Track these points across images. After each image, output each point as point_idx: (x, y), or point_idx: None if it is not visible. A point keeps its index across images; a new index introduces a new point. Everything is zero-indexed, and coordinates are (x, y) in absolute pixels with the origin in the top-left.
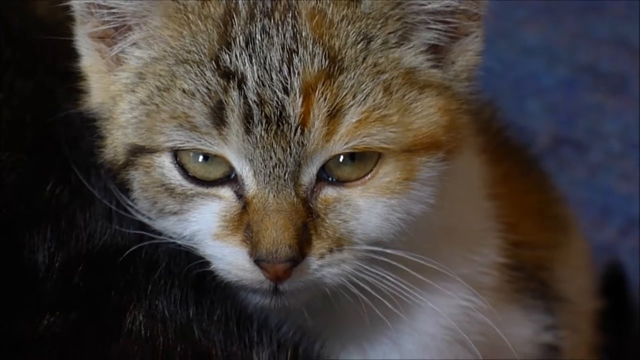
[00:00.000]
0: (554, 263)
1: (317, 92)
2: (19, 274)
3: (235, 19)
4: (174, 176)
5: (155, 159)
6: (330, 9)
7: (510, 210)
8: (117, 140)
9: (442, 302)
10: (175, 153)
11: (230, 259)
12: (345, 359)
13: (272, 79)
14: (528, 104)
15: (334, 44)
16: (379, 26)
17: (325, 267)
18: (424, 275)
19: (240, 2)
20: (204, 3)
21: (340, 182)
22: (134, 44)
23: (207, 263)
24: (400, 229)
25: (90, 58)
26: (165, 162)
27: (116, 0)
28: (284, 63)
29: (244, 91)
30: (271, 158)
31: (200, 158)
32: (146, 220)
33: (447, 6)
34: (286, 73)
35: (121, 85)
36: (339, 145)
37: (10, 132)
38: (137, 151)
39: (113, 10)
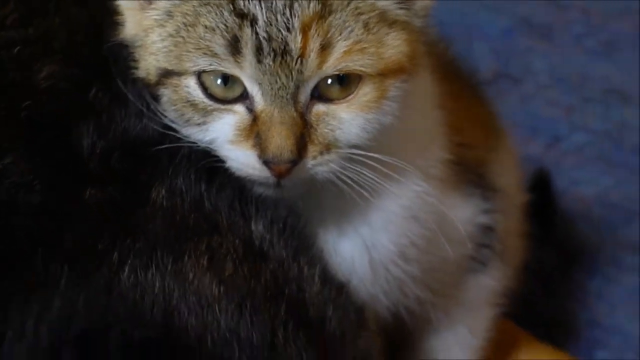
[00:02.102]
0: (490, 161)
1: (312, 30)
2: (69, 156)
3: None
4: (197, 94)
5: (182, 80)
6: None
7: (456, 119)
8: (149, 64)
9: (402, 187)
10: (199, 76)
11: (243, 160)
12: (322, 230)
13: (277, 20)
14: (475, 47)
15: None
16: None
17: (317, 166)
18: (390, 169)
19: None
20: None
21: (329, 100)
22: None
23: (220, 159)
24: (373, 136)
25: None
26: (190, 83)
27: None
28: (287, 7)
29: (256, 29)
30: (276, 82)
31: (219, 81)
32: (174, 126)
33: None
34: (288, 15)
35: (152, 21)
36: (328, 70)
37: (66, 50)
38: (167, 74)
39: None
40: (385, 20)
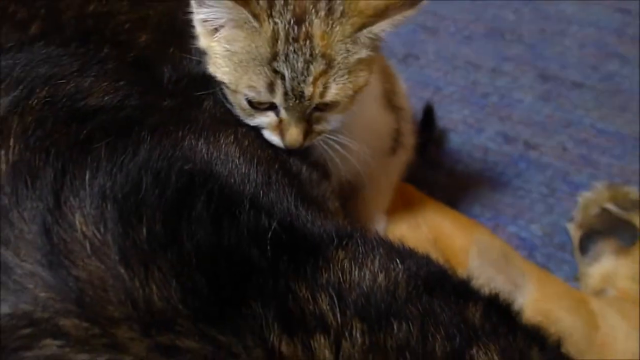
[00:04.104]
0: (394, 92)
1: (318, 82)
2: (155, 82)
3: (278, 41)
4: (245, 105)
5: (237, 94)
6: (332, 34)
7: (380, 72)
8: (215, 71)
9: (364, 110)
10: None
11: (272, 139)
12: None
13: (298, 77)
14: (392, 40)
15: (331, 54)
16: (353, 43)
17: (311, 142)
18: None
19: (279, 27)
20: (258, 21)
21: (322, 110)
22: (223, 37)
23: None
24: (342, 124)
25: (199, 28)
26: (242, 98)
27: (212, 3)
28: (305, 69)
29: (284, 82)
30: (295, 109)
31: None
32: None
33: (383, 30)
34: (305, 74)
35: (217, 46)
36: (325, 100)
37: (156, 27)
38: (227, 86)
39: (212, 10)
40: (361, 63)
